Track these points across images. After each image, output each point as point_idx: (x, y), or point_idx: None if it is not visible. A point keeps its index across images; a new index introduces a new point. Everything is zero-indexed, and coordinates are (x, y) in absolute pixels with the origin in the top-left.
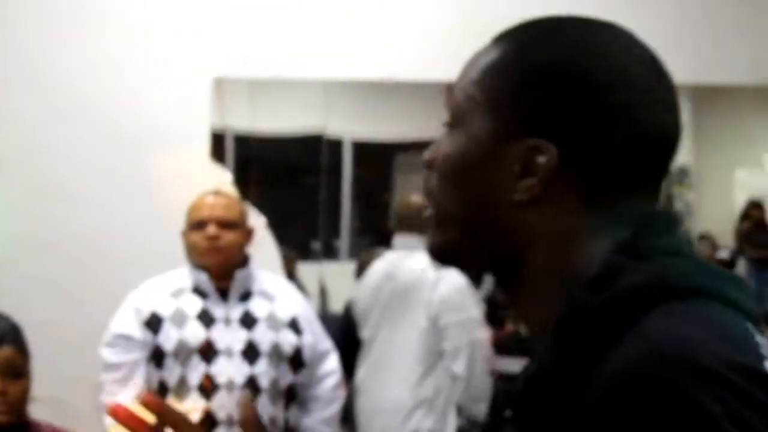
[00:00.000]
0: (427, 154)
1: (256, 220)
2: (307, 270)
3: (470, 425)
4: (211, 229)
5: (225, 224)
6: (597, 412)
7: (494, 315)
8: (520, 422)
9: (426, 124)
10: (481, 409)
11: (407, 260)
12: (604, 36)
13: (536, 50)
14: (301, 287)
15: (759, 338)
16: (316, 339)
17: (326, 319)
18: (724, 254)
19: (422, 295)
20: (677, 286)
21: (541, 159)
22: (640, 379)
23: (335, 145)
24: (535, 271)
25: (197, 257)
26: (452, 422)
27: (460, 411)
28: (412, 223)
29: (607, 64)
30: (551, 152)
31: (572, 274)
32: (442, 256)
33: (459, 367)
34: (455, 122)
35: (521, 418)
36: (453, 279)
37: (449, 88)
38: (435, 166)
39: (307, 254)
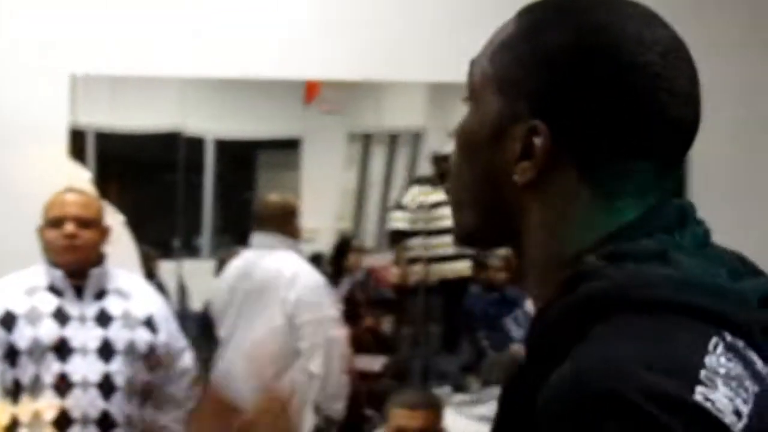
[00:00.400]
0: (454, 130)
1: (114, 218)
2: (168, 268)
3: (327, 424)
4: (69, 227)
5: (83, 222)
6: (534, 423)
7: (352, 313)
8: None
9: (288, 123)
10: (337, 408)
11: (264, 259)
12: (621, 19)
13: (547, 31)
14: (161, 285)
15: (712, 359)
16: (172, 337)
17: (186, 317)
18: None
19: (278, 293)
20: (636, 297)
21: (537, 141)
22: (558, 402)
23: (197, 143)
24: (529, 258)
25: (53, 255)
26: (309, 421)
27: (316, 410)
28: (269, 222)
29: (614, 46)
30: (545, 135)
31: (557, 268)
32: (465, 241)
33: (315, 365)
34: (472, 97)
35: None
36: (309, 278)
37: (471, 63)
38: (456, 143)
39: (168, 252)
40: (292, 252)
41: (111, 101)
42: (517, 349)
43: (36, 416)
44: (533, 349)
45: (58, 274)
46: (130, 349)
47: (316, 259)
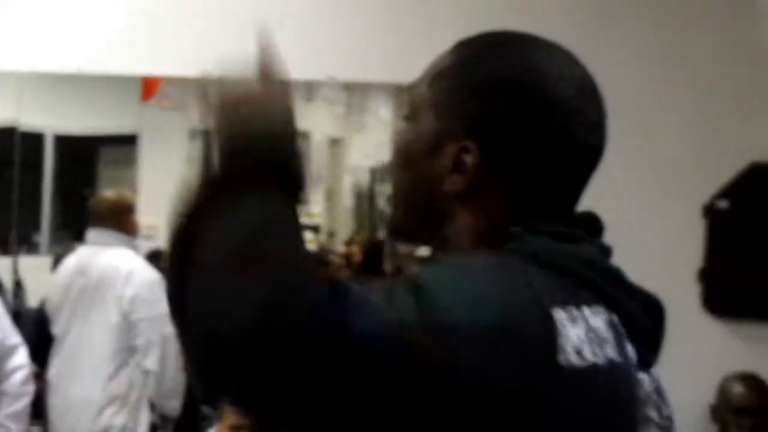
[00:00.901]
0: (391, 140)
1: None
2: (4, 264)
3: (163, 421)
4: None
5: None
6: None
7: None
8: None
9: (128, 119)
10: (173, 405)
11: (99, 255)
12: (543, 57)
13: (481, 65)
14: None
15: (588, 312)
16: (4, 334)
17: (23, 313)
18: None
19: (114, 290)
20: (546, 259)
21: (468, 159)
22: None
23: (35, 138)
24: (456, 240)
25: None
26: (145, 418)
27: (152, 407)
28: (105, 219)
29: (541, 83)
30: (475, 154)
31: None
32: (395, 232)
33: (151, 362)
34: (411, 117)
35: None
36: (145, 274)
37: (410, 87)
38: (394, 153)
39: (5, 248)
40: (128, 249)
41: None
42: None
43: None
44: None
45: None
46: None
47: (155, 256)
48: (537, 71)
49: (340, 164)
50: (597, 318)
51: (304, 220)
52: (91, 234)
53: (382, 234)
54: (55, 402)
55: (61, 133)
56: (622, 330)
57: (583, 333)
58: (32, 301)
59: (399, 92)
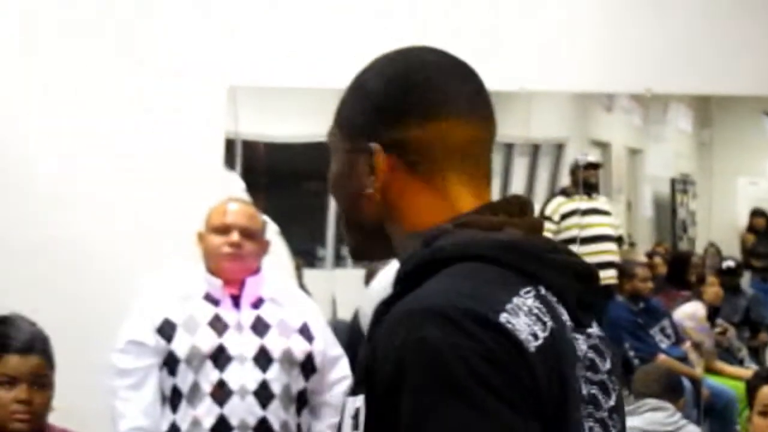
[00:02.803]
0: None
1: (268, 227)
2: (313, 276)
3: None
4: (235, 236)
5: (247, 233)
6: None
7: None
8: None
9: None
10: None
11: None
12: (426, 66)
13: (368, 84)
14: (307, 294)
15: (519, 299)
16: (327, 345)
17: (335, 326)
18: (730, 263)
19: None
20: (472, 252)
21: (378, 161)
22: (397, 312)
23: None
24: (398, 245)
25: (216, 261)
26: None
27: None
28: None
29: (427, 91)
30: (380, 154)
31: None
32: (355, 256)
33: None
34: (332, 150)
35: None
36: None
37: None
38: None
39: (312, 261)
40: None
41: (261, 111)
42: (664, 359)
43: (195, 423)
44: (395, 288)
45: (216, 282)
46: (287, 357)
47: None
48: (423, 77)
49: (639, 175)
50: (526, 300)
51: (608, 230)
52: None
53: (684, 245)
54: None
55: None
56: (551, 298)
57: (527, 319)
58: (342, 313)
59: (699, 103)
